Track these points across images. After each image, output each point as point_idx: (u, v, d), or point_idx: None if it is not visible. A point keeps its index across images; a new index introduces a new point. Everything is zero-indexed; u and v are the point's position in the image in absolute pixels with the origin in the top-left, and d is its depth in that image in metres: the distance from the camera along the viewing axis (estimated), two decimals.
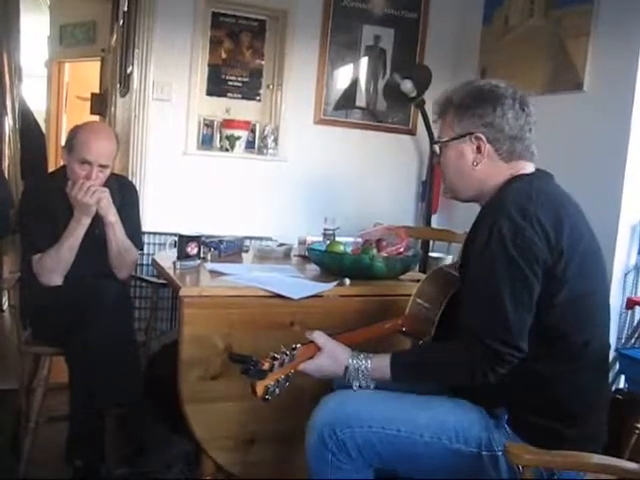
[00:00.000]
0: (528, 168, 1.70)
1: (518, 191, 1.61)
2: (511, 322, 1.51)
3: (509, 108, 1.65)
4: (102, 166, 2.44)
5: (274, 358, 1.54)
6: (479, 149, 1.68)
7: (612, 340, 2.97)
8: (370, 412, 1.63)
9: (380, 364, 1.65)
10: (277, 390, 1.55)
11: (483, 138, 1.66)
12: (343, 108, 4.08)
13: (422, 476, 1.66)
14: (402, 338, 1.94)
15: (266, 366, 1.52)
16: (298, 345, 1.63)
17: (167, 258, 2.41)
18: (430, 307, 1.78)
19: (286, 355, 1.57)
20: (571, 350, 1.58)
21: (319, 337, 1.69)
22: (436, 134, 1.80)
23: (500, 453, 1.58)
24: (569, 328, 1.57)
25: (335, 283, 2.17)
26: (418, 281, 2.36)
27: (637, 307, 2.92)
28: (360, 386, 1.66)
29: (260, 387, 1.52)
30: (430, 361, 1.65)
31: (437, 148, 1.79)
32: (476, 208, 1.75)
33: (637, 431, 1.95)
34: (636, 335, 2.87)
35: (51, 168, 6.02)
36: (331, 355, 1.67)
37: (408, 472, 1.67)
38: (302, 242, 2.79)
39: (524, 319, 1.53)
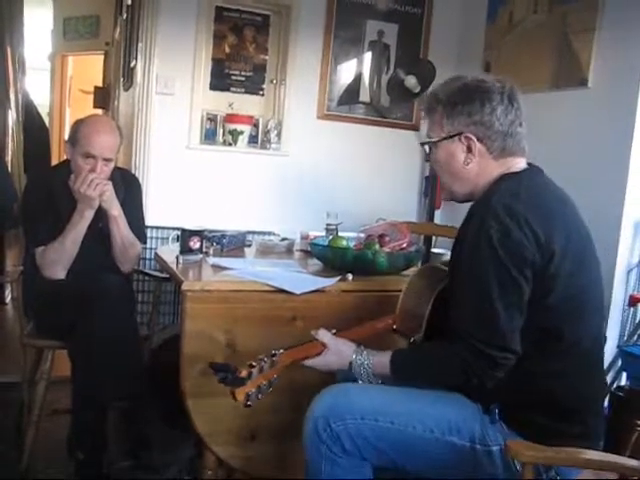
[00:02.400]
0: (519, 164, 1.67)
1: (506, 190, 1.58)
2: (502, 325, 1.50)
3: (498, 104, 1.62)
4: (106, 160, 2.44)
5: (251, 366, 1.57)
6: (470, 148, 1.65)
7: (614, 337, 2.99)
8: (364, 404, 1.64)
9: (381, 360, 1.67)
10: (259, 395, 1.58)
11: (473, 138, 1.63)
12: (346, 103, 4.08)
13: (418, 469, 1.67)
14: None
15: (243, 374, 1.55)
16: (280, 351, 1.64)
17: (170, 252, 2.42)
18: (419, 303, 1.76)
19: (264, 362, 1.60)
20: (564, 348, 1.57)
21: (324, 335, 1.74)
22: (424, 132, 1.77)
23: (495, 448, 1.58)
24: (562, 326, 1.56)
25: (337, 278, 2.17)
26: None
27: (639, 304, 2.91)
28: (363, 382, 1.68)
29: (240, 394, 1.55)
30: (426, 362, 1.65)
31: (427, 147, 1.75)
32: None
33: (638, 428, 1.96)
34: (638, 332, 2.87)
35: (54, 161, 6.03)
36: (336, 352, 1.72)
37: (404, 465, 1.67)
38: (304, 237, 2.79)
39: (515, 321, 1.51)
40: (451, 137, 1.66)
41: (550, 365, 1.57)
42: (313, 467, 1.66)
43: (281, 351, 1.65)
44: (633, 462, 1.41)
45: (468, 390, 1.63)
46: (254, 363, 1.58)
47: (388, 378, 1.68)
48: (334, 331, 1.78)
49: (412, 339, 1.77)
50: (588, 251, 1.64)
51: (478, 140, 1.63)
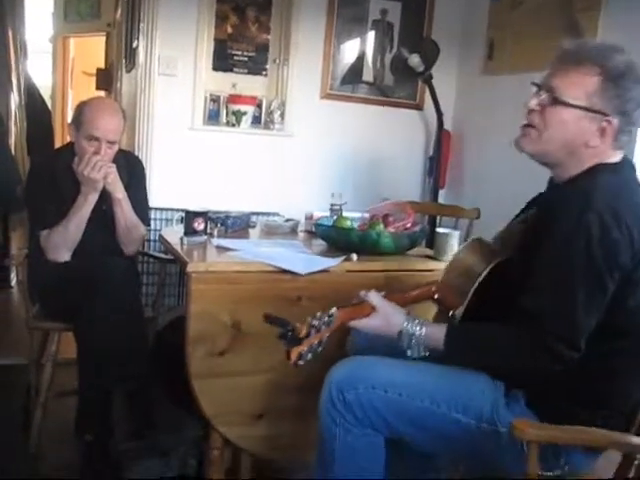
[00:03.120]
0: (618, 155, 1.59)
1: (609, 187, 1.51)
2: (580, 324, 1.46)
3: None
4: (110, 142, 2.44)
5: (311, 325, 1.54)
6: (603, 133, 1.53)
7: None
8: (377, 375, 1.64)
9: (434, 333, 1.61)
10: (310, 355, 1.56)
11: (615, 126, 1.52)
12: (350, 83, 4.05)
13: (424, 442, 1.68)
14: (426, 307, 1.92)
15: (303, 333, 1.53)
16: (334, 310, 1.62)
17: (174, 234, 2.41)
18: (465, 279, 1.71)
19: (323, 321, 1.57)
20: (625, 347, 1.55)
21: (374, 297, 1.69)
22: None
23: (503, 430, 1.57)
24: (631, 328, 1.54)
25: (342, 258, 2.17)
26: (425, 257, 2.39)
27: None
28: (412, 353, 1.63)
29: (294, 353, 1.53)
30: (486, 343, 1.59)
31: (543, 93, 1.59)
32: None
33: None
34: None
35: (57, 144, 6.02)
36: (385, 317, 1.66)
37: (411, 438, 1.68)
38: (309, 217, 2.78)
39: (592, 321, 1.48)
40: (593, 112, 1.53)
41: (608, 363, 1.55)
42: (327, 434, 1.67)
43: (334, 310, 1.61)
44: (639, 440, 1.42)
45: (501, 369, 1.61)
46: (314, 322, 1.55)
47: (436, 351, 1.63)
48: (383, 293, 1.73)
49: (451, 313, 1.73)
50: None
51: (615, 129, 1.53)
